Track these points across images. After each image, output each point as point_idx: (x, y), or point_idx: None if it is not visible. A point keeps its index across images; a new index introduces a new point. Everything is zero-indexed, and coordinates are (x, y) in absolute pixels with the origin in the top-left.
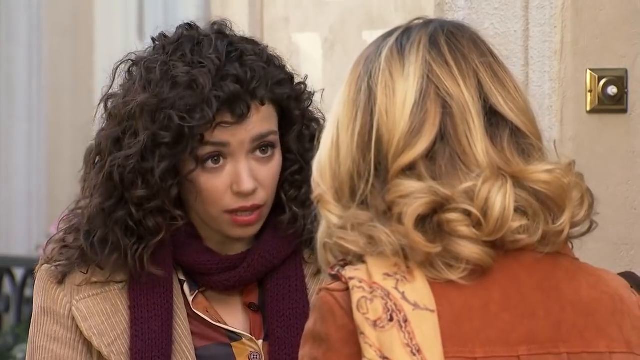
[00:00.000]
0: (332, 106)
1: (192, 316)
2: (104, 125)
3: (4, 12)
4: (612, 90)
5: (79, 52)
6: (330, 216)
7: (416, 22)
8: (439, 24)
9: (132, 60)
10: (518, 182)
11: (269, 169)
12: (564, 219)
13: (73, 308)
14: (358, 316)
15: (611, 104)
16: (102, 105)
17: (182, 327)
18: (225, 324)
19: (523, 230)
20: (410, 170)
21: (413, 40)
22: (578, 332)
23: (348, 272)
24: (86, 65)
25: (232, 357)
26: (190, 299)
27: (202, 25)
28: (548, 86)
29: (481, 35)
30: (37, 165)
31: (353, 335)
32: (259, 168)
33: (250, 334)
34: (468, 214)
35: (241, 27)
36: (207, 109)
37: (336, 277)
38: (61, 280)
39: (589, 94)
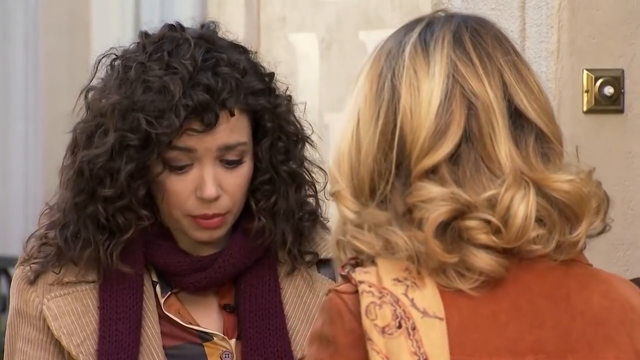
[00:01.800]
0: (349, 99)
1: (164, 317)
2: (83, 117)
3: (0, 12)
4: (609, 90)
5: (76, 52)
6: (347, 212)
7: (438, 15)
8: (462, 20)
9: (115, 55)
10: (539, 189)
11: (236, 177)
12: (581, 230)
13: (44, 307)
14: (366, 322)
15: (608, 104)
16: (82, 97)
17: (151, 329)
18: (197, 325)
19: (539, 240)
20: (432, 173)
21: (437, 37)
22: (587, 342)
23: (358, 275)
24: (83, 65)
25: (204, 357)
26: (161, 300)
27: (193, 25)
28: (544, 86)
29: (503, 31)
30: (34, 165)
31: (360, 340)
32: (226, 175)
33: (223, 334)
34: (488, 222)
35: (238, 27)
36: (174, 117)
37: (346, 278)
38: (33, 280)
39: (585, 94)
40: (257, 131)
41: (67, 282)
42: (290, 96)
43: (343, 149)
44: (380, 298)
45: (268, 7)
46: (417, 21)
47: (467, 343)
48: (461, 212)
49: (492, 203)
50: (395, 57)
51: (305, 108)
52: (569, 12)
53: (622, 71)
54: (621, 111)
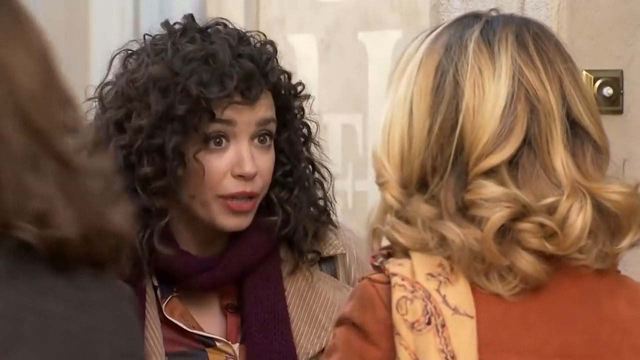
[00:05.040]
0: (394, 87)
1: (166, 322)
2: (97, 114)
3: None
4: (608, 91)
5: (74, 54)
6: (392, 201)
7: (492, 13)
8: (523, 22)
9: (130, 50)
10: (593, 198)
11: (267, 159)
12: (625, 243)
13: None
14: (396, 316)
15: (607, 105)
16: (96, 95)
17: (154, 338)
18: (200, 329)
19: (585, 250)
20: (491, 173)
21: (500, 37)
22: (613, 350)
23: (391, 267)
24: (81, 67)
25: None
26: (163, 305)
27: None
28: None
29: (560, 38)
30: None
31: (390, 330)
32: (259, 155)
33: (226, 338)
34: (543, 226)
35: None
36: (228, 81)
37: (378, 268)
38: None
39: None
40: (277, 121)
41: None
42: (303, 85)
43: (394, 138)
44: (412, 292)
45: (267, 8)
46: (473, 17)
47: (495, 342)
48: (521, 214)
49: (550, 210)
50: (457, 53)
51: (312, 103)
52: (568, 13)
53: (621, 72)
54: (620, 112)
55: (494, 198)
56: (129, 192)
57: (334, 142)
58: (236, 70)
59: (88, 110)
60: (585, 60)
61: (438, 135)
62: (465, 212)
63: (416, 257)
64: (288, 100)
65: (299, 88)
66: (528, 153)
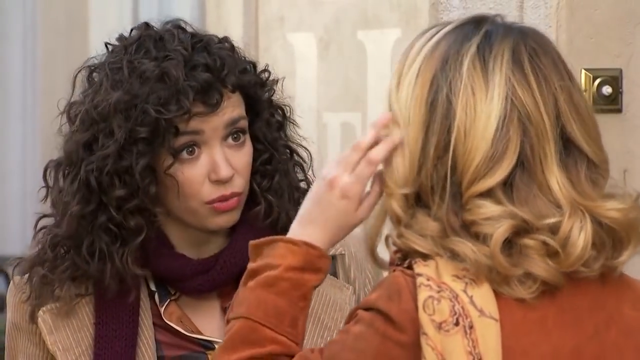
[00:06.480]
0: (399, 85)
1: (164, 327)
2: (68, 134)
3: None
4: (607, 90)
5: (74, 52)
6: (397, 209)
7: (495, 21)
8: (521, 36)
9: (91, 67)
10: (592, 215)
11: (243, 156)
12: (626, 255)
13: (39, 319)
14: (423, 316)
15: (606, 103)
16: (65, 115)
17: (146, 344)
18: (199, 332)
19: (588, 263)
20: (486, 193)
21: (496, 55)
22: (619, 352)
23: (417, 267)
24: (81, 65)
25: None
26: (161, 310)
27: (159, 23)
28: None
29: (559, 51)
30: (32, 165)
31: (414, 323)
32: (233, 155)
33: None
34: (545, 244)
35: (236, 26)
36: (184, 99)
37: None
38: (29, 294)
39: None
40: (249, 110)
41: (62, 297)
42: (269, 72)
43: (396, 158)
44: (438, 292)
45: (266, 6)
46: (473, 25)
47: (516, 347)
48: (523, 230)
49: (553, 230)
50: (453, 69)
51: (282, 85)
52: (567, 11)
53: (620, 71)
54: (619, 111)
55: (494, 216)
56: (106, 210)
57: (333, 141)
58: (191, 84)
59: (62, 124)
60: (584, 59)
61: (433, 156)
62: (468, 230)
63: (441, 260)
64: (255, 91)
65: (265, 75)
66: (521, 174)
